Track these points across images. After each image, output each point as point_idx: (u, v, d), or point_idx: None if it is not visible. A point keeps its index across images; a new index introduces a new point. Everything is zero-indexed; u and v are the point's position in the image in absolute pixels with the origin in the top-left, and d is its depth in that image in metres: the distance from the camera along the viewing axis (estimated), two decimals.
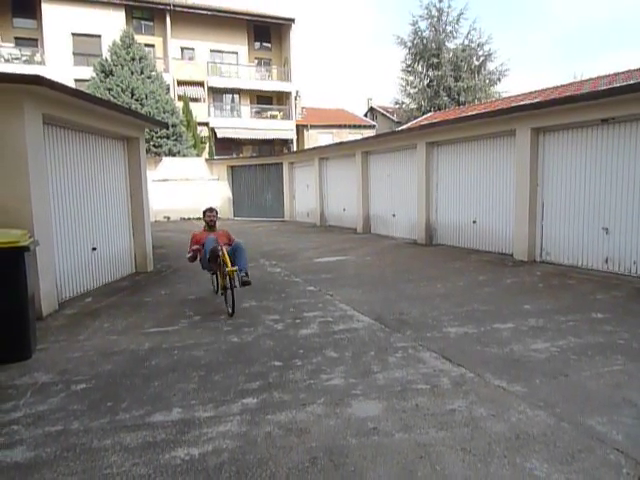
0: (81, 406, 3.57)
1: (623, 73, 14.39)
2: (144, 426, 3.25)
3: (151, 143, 23.66)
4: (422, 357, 4.41)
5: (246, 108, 33.11)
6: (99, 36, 27.79)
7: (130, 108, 19.22)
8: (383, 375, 4.00)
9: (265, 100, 34.29)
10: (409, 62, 33.88)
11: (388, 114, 39.22)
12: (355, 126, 37.17)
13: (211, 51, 31.67)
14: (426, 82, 33.25)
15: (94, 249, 7.75)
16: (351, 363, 4.30)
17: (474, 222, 10.78)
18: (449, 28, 32.87)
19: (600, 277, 7.57)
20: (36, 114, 6.06)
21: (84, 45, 27.77)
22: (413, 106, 33.49)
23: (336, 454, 2.85)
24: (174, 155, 24.32)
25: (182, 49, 30.97)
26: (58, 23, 26.63)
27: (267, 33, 34.23)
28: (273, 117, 33.98)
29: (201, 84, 31.01)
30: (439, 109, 29.48)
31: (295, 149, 32.55)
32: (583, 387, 3.69)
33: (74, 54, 27.66)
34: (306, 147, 31.21)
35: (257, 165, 22.54)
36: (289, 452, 2.89)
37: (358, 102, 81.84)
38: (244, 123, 31.97)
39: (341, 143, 17.95)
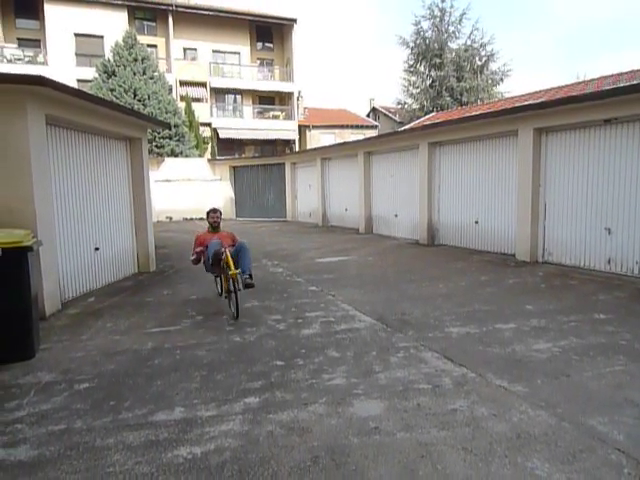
0: (84, 405, 3.59)
1: (627, 73, 14.38)
2: (147, 425, 3.26)
3: (153, 144, 23.73)
4: (424, 357, 4.42)
5: (248, 108, 33.17)
6: (102, 37, 27.89)
7: (133, 109, 19.26)
8: (385, 375, 4.01)
9: (267, 100, 34.34)
10: (411, 62, 33.87)
11: (390, 114, 39.20)
12: (357, 126, 37.17)
13: (213, 51, 31.74)
14: (428, 82, 33.24)
15: (97, 249, 7.78)
16: (353, 363, 4.31)
17: (476, 222, 10.78)
18: (452, 28, 32.87)
19: (602, 278, 7.56)
20: (39, 115, 6.08)
21: (87, 46, 27.87)
22: (415, 106, 33.47)
23: (338, 453, 2.86)
24: (176, 155, 24.37)
25: (184, 49, 31.06)
26: (61, 24, 26.73)
27: (269, 33, 34.30)
28: (275, 117, 34.03)
29: (203, 84, 31.08)
30: (441, 109, 29.47)
31: (297, 149, 32.56)
32: (585, 387, 3.69)
33: (77, 55, 27.78)
34: (308, 147, 31.21)
35: (259, 165, 22.56)
36: (291, 451, 2.90)
37: (360, 102, 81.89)
38: (246, 123, 32.03)
39: (343, 143, 17.97)
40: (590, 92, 8.65)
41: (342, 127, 36.57)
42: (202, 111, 29.74)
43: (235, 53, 32.57)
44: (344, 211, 17.02)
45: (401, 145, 13.25)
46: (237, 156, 30.53)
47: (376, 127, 38.31)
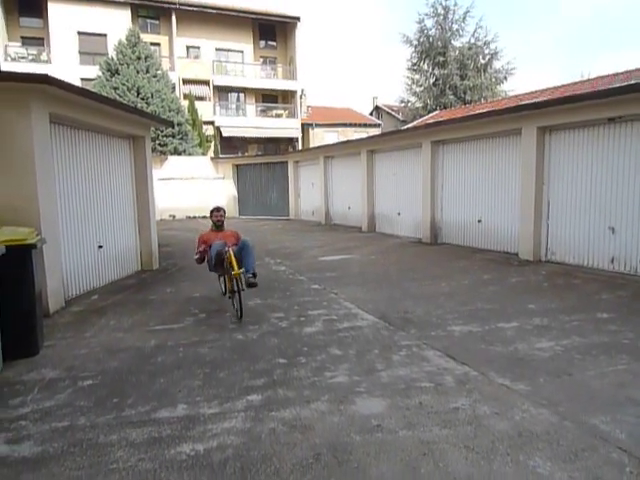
0: (88, 402, 3.60)
1: (622, 73, 14.29)
2: (150, 422, 3.28)
3: (157, 142, 23.76)
4: (426, 355, 4.42)
5: (251, 107, 33.17)
6: (105, 35, 27.92)
7: (136, 107, 19.28)
8: (387, 373, 4.02)
9: (270, 99, 34.34)
10: (415, 60, 33.80)
11: (394, 113, 39.16)
12: (360, 125, 37.15)
13: (216, 50, 31.74)
14: (432, 80, 33.17)
15: (100, 247, 7.81)
16: (355, 361, 4.32)
17: (479, 221, 10.77)
18: (455, 26, 32.78)
19: (606, 277, 7.54)
20: (43, 113, 6.10)
21: (90, 44, 27.90)
22: (419, 105, 33.42)
23: (340, 451, 2.87)
24: (179, 154, 24.41)
25: (188, 48, 31.07)
26: (64, 22, 26.78)
27: (272, 32, 34.28)
28: (278, 116, 34.03)
29: (206, 83, 31.08)
30: (445, 108, 29.41)
31: (300, 148, 32.56)
32: (587, 386, 3.69)
33: (80, 53, 27.82)
34: (311, 146, 31.21)
35: (262, 164, 22.58)
36: (293, 448, 2.91)
37: (364, 101, 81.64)
38: (249, 122, 32.02)
39: (346, 142, 17.96)
40: (594, 91, 8.62)
41: (345, 125, 36.55)
42: (205, 109, 29.76)
43: (238, 51, 32.56)
44: (347, 209, 17.02)
45: (404, 143, 13.23)
46: (240, 154, 30.55)
47: (379, 125, 38.28)
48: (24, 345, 4.57)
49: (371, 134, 26.00)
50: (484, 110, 13.80)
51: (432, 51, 32.57)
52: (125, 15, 28.15)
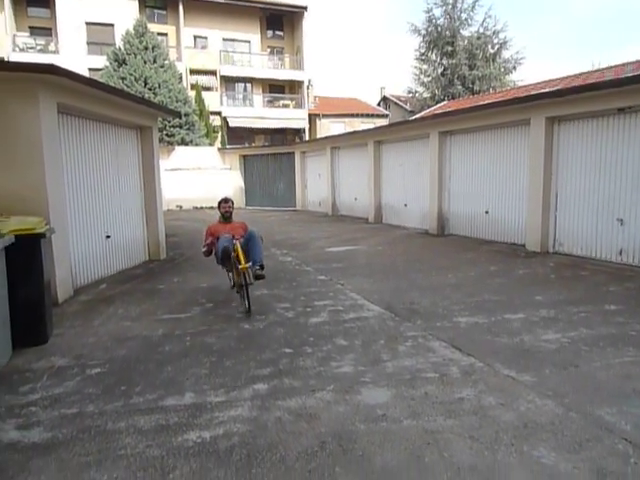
0: (96, 390, 3.65)
1: (632, 63, 14.10)
2: (157, 409, 3.32)
3: (164, 132, 23.77)
4: (432, 346, 4.43)
5: (258, 97, 33.09)
6: (112, 25, 27.89)
7: (143, 97, 19.28)
8: (392, 363, 4.03)
9: (277, 89, 34.23)
10: (423, 50, 33.54)
11: (401, 103, 38.88)
12: (368, 115, 36.94)
13: (224, 40, 31.60)
14: (440, 70, 32.91)
15: (108, 237, 7.85)
16: (361, 351, 4.34)
17: (486, 212, 10.72)
18: (464, 15, 32.45)
19: (614, 269, 7.50)
20: (51, 103, 6.12)
21: (98, 34, 27.90)
22: (427, 95, 33.20)
23: (345, 439, 2.89)
24: (186, 144, 24.42)
25: (195, 38, 30.97)
26: (72, 12, 26.77)
27: (280, 21, 34.09)
28: (285, 106, 33.91)
29: (213, 73, 31.01)
30: (453, 98, 29.19)
31: (307, 138, 32.48)
32: (593, 378, 3.69)
33: (88, 43, 27.83)
34: (318, 136, 31.09)
35: (269, 154, 22.57)
36: (299, 437, 2.94)
37: (371, 91, 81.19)
38: (256, 112, 31.94)
39: (353, 132, 17.89)
40: (603, 80, 8.53)
41: (352, 116, 36.36)
42: (212, 100, 29.72)
43: (245, 41, 32.42)
44: (354, 200, 16.99)
45: (411, 134, 13.16)
46: (247, 145, 30.50)
47: (387, 116, 38.03)
48: (33, 333, 4.62)
49: (378, 125, 25.88)
50: (492, 100, 13.68)
51: (440, 41, 32.28)
52: (133, 5, 28.09)
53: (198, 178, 22.43)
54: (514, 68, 32.54)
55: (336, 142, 17.95)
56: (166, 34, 30.02)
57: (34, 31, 27.67)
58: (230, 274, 6.68)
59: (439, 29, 32.45)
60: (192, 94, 27.29)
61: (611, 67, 14.87)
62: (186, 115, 24.58)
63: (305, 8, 32.17)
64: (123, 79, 23.43)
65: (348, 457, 2.72)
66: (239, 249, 5.61)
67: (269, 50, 34.02)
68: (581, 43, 72.06)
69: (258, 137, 33.52)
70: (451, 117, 11.55)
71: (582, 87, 8.37)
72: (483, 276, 7.32)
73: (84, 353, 4.43)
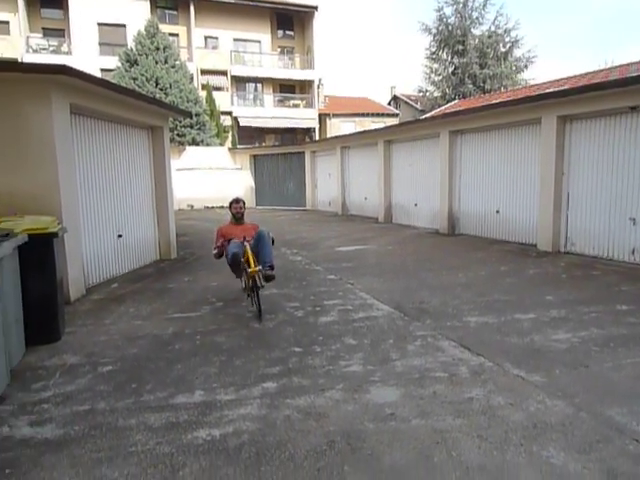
0: (107, 387, 3.69)
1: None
2: (167, 407, 3.35)
3: (175, 132, 23.91)
4: (441, 346, 4.42)
5: (269, 97, 33.18)
6: (124, 26, 28.13)
7: (155, 97, 19.42)
8: (401, 363, 4.03)
9: (288, 89, 34.29)
10: (434, 49, 33.41)
11: (412, 102, 38.75)
12: (378, 114, 36.87)
13: (234, 40, 31.74)
14: (451, 69, 32.76)
15: (120, 236, 7.92)
16: (370, 350, 4.34)
17: (497, 212, 10.66)
18: (475, 14, 32.26)
19: (626, 268, 7.42)
20: (63, 103, 6.19)
21: (110, 35, 28.15)
22: (437, 94, 33.06)
23: (353, 438, 2.90)
24: (197, 144, 24.55)
25: (206, 38, 31.12)
26: (84, 13, 27.04)
27: (290, 21, 34.13)
28: (296, 106, 33.96)
29: (224, 73, 31.15)
30: (464, 97, 29.04)
31: (317, 138, 32.49)
32: (604, 378, 3.66)
33: (100, 44, 28.09)
34: (328, 136, 31.11)
35: (279, 154, 22.61)
36: (307, 435, 2.95)
37: (381, 90, 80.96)
38: (267, 112, 32.04)
39: (363, 132, 17.87)
40: (614, 79, 8.45)
41: (362, 115, 36.33)
42: (223, 100, 29.85)
43: (256, 41, 32.53)
44: (363, 200, 16.97)
45: (422, 133, 13.12)
46: (257, 145, 30.61)
47: (397, 115, 37.94)
48: (46, 331, 4.68)
49: (389, 124, 25.81)
50: (503, 100, 13.59)
51: (451, 40, 32.12)
52: (144, 6, 28.30)
53: (209, 178, 22.54)
54: (526, 67, 32.31)
55: (346, 142, 17.94)
56: (177, 35, 30.21)
57: (47, 32, 27.98)
58: (241, 278, 6.62)
59: (450, 28, 32.29)
60: (203, 94, 27.43)
61: (616, 67, 14.77)
62: (197, 115, 24.70)
63: (315, 8, 32.17)
64: (135, 79, 23.60)
65: (357, 456, 2.73)
66: (249, 252, 5.50)
67: (279, 50, 34.08)
68: (596, 41, 71.27)
69: (268, 137, 33.61)
70: (462, 116, 11.49)
71: (585, 87, 8.34)
72: (494, 276, 7.29)
73: (96, 351, 4.48)
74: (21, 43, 26.39)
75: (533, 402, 3.29)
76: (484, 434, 2.91)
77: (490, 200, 10.87)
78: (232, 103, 31.23)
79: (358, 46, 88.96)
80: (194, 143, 24.46)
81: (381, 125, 23.28)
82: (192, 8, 29.58)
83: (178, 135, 24.26)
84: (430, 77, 33.89)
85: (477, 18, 32.29)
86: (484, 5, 31.93)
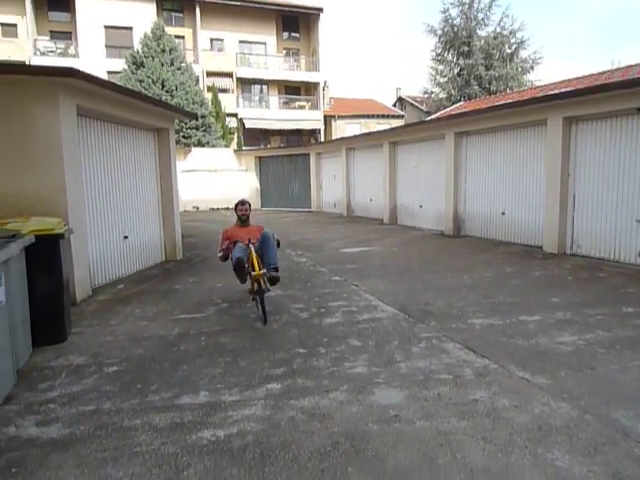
0: (113, 387, 3.71)
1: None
2: (172, 408, 3.36)
3: (181, 134, 24.01)
4: (446, 347, 4.42)
5: (274, 99, 33.23)
6: (130, 28, 28.27)
7: (161, 100, 19.50)
8: (406, 364, 4.03)
9: (293, 90, 34.33)
10: (439, 51, 33.35)
11: (417, 104, 38.71)
12: (383, 116, 36.83)
13: (240, 42, 31.83)
14: (456, 71, 32.69)
15: (126, 237, 7.96)
16: (374, 352, 4.34)
17: (503, 213, 10.63)
18: (481, 15, 32.20)
19: (633, 271, 7.38)
20: (70, 105, 6.24)
21: (116, 37, 28.30)
22: (443, 95, 33.01)
23: (357, 440, 2.90)
24: (203, 146, 24.62)
25: (211, 40, 31.24)
26: (91, 16, 27.21)
27: (295, 23, 34.20)
28: (301, 107, 34.01)
29: (230, 75, 31.23)
30: (469, 98, 28.98)
31: (322, 139, 32.51)
32: (610, 380, 3.64)
33: (106, 46, 28.24)
34: (333, 137, 31.11)
35: (284, 156, 22.64)
36: (311, 436, 2.96)
37: (387, 92, 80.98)
38: (272, 114, 32.10)
39: (369, 133, 17.87)
40: (621, 80, 8.42)
41: (368, 117, 36.29)
42: (228, 101, 29.91)
43: (261, 43, 32.61)
44: (369, 202, 16.97)
45: (427, 135, 13.11)
46: (263, 146, 30.67)
47: (402, 117, 37.89)
48: (52, 332, 4.71)
49: (394, 125, 25.79)
50: (508, 101, 13.56)
51: (457, 41, 32.06)
52: (150, 8, 28.43)
53: (214, 179, 22.60)
54: (532, 68, 32.19)
55: (351, 143, 17.95)
56: (183, 37, 30.33)
57: (54, 35, 28.17)
58: (246, 282, 6.57)
59: (455, 29, 32.23)
60: (209, 96, 27.52)
61: (619, 69, 14.79)
62: (203, 117, 24.79)
63: (321, 10, 32.22)
64: (141, 81, 23.71)
65: (361, 457, 2.73)
66: (253, 255, 5.47)
67: (285, 52, 34.15)
68: (596, 41, 70.95)
69: (274, 138, 33.66)
70: (467, 118, 11.48)
71: (591, 88, 8.33)
72: (499, 277, 7.27)
73: (101, 352, 4.50)
74: (29, 46, 26.57)
75: (538, 404, 3.28)
76: (489, 436, 2.90)
77: (495, 202, 10.84)
78: (238, 105, 31.30)
79: (363, 48, 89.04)
80: (200, 145, 24.54)
81: (386, 127, 23.27)
82: (198, 10, 29.70)
83: (184, 137, 24.35)
84: (435, 78, 33.85)
85: (483, 19, 32.24)
86: (490, 6, 31.90)
